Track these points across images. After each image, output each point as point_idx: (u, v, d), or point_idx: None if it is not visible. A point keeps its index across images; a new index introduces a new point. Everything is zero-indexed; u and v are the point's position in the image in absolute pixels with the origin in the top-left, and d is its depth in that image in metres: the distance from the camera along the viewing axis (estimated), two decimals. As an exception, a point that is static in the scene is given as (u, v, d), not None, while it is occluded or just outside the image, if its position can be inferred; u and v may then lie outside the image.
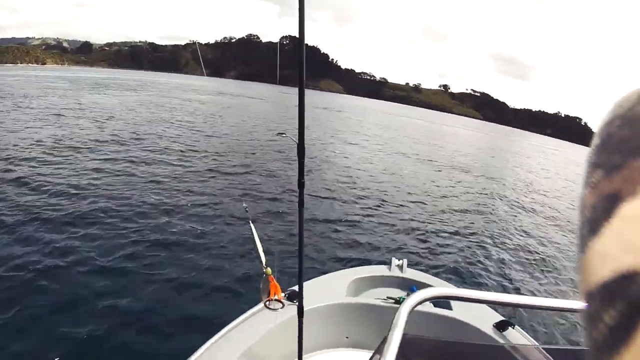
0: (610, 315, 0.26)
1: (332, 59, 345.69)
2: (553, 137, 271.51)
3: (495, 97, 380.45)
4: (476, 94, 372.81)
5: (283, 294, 3.18)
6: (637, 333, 0.24)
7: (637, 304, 0.25)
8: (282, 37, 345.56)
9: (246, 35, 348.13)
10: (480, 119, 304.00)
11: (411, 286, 3.68)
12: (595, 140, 0.34)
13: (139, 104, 33.73)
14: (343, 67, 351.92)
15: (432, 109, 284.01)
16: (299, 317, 2.74)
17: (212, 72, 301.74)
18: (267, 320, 3.04)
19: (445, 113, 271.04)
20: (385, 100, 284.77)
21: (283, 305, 3.15)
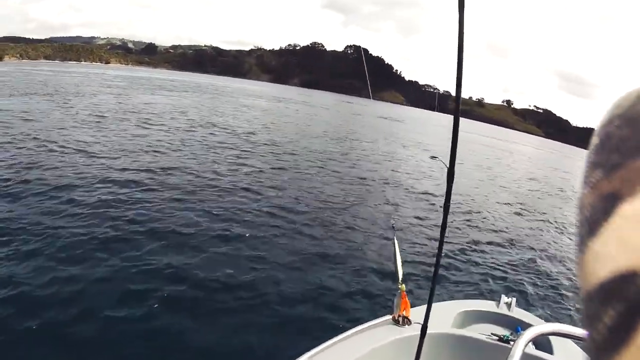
0: (609, 316, 0.26)
1: (396, 70, 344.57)
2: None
3: (558, 115, 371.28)
4: (539, 110, 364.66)
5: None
6: (636, 334, 0.24)
7: (636, 305, 0.25)
8: (347, 47, 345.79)
9: (310, 43, 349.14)
10: (542, 136, 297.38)
11: (517, 326, 3.58)
12: (594, 140, 0.34)
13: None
14: (407, 78, 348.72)
15: (494, 124, 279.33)
16: (420, 338, 2.80)
17: (275, 79, 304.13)
18: (385, 335, 3.15)
19: (507, 129, 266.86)
20: (447, 113, 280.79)
21: (410, 323, 3.24)
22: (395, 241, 3.47)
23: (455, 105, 2.10)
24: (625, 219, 0.28)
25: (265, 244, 8.06)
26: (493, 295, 4.78)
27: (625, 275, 0.26)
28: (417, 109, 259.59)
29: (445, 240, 2.60)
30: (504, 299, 3.95)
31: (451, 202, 2.35)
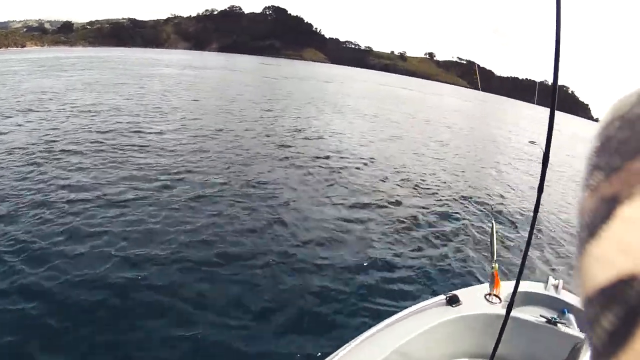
0: (608, 320, 0.26)
1: (316, 28, 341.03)
2: (540, 105, 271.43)
3: (481, 65, 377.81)
4: (462, 61, 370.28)
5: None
6: (635, 338, 0.24)
7: (635, 309, 0.24)
8: (265, 8, 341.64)
9: (228, 7, 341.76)
10: (466, 87, 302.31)
11: (564, 308, 3.73)
12: (595, 142, 0.34)
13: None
14: (327, 36, 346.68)
15: (417, 77, 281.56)
16: (505, 316, 2.87)
17: (194, 46, 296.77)
18: (440, 315, 3.36)
19: (431, 81, 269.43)
20: (369, 69, 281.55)
21: (500, 300, 3.47)
22: (494, 222, 3.46)
23: (552, 98, 2.33)
24: (625, 223, 0.27)
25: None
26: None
27: (624, 279, 0.25)
28: (340, 65, 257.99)
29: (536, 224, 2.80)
30: (552, 280, 4.13)
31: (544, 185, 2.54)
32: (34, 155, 11.93)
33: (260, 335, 5.34)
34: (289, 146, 16.63)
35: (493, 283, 3.53)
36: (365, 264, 7.63)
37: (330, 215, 9.87)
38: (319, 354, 4.86)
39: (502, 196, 13.88)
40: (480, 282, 5.02)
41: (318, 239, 8.50)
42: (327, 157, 15.13)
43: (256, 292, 6.31)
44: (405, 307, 3.49)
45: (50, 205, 8.51)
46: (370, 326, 3.23)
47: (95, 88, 28.36)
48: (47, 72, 40.17)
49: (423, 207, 11.53)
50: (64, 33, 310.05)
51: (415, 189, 13.44)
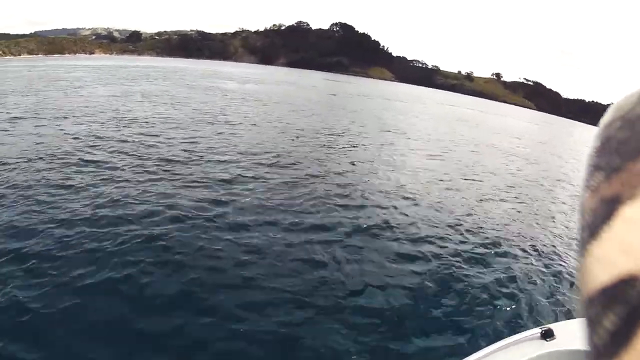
0: (610, 321, 0.26)
1: (383, 46, 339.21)
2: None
3: (548, 87, 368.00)
4: (529, 82, 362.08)
5: None
6: (637, 338, 0.24)
7: (636, 309, 0.25)
8: (332, 24, 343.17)
9: (295, 23, 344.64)
10: (533, 109, 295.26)
11: None
12: (596, 142, 0.34)
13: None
14: (394, 54, 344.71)
15: (483, 98, 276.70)
16: None
17: (261, 60, 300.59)
18: (532, 350, 3.18)
19: (497, 102, 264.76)
20: (436, 88, 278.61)
21: None
22: None
23: None
24: (626, 223, 0.27)
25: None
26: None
27: (625, 279, 0.25)
28: (406, 84, 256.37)
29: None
30: None
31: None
32: (69, 162, 11.93)
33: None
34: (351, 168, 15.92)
35: None
36: (451, 290, 7.39)
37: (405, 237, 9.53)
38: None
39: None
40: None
41: (402, 259, 8.31)
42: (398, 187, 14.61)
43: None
44: (497, 341, 3.35)
45: (90, 220, 8.28)
46: None
47: (155, 99, 29.43)
48: (109, 79, 41.99)
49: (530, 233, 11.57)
50: (132, 42, 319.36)
51: (518, 213, 13.59)
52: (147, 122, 19.75)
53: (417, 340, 5.78)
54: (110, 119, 19.42)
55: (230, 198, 10.43)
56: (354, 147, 20.19)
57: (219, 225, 8.72)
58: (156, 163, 12.84)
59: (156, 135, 16.90)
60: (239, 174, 12.63)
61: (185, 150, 14.82)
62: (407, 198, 12.56)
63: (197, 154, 14.50)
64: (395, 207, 11.45)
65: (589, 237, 0.30)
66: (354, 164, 15.92)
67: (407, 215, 11.05)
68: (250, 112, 27.00)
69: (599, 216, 0.30)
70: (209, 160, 13.85)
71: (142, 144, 15.23)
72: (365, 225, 9.77)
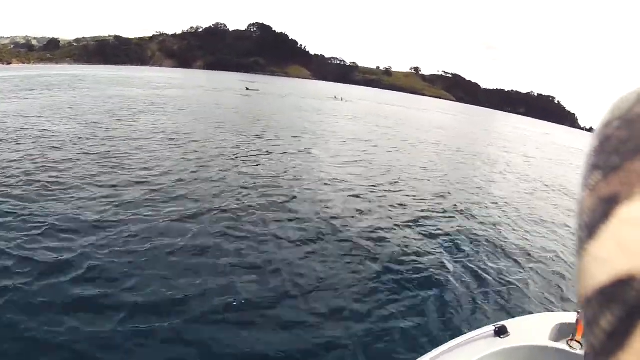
0: (607, 320, 0.26)
1: (301, 45, 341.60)
2: (526, 115, 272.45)
3: (467, 79, 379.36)
4: (448, 75, 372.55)
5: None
6: (634, 338, 0.24)
7: (634, 309, 0.24)
8: (250, 25, 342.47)
9: (213, 25, 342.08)
10: (453, 101, 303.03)
11: None
12: (594, 142, 0.33)
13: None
14: (312, 52, 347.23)
15: (403, 92, 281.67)
16: None
17: (179, 64, 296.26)
18: (487, 347, 3.23)
19: (417, 95, 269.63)
20: (355, 84, 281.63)
21: (582, 347, 3.10)
22: None
23: None
24: (624, 222, 0.27)
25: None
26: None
27: (623, 279, 0.25)
28: (325, 82, 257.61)
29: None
30: None
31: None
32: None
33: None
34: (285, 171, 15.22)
35: (576, 329, 3.29)
36: (405, 288, 7.39)
37: (360, 236, 9.55)
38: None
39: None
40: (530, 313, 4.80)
41: (357, 260, 8.31)
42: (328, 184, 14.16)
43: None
44: (451, 339, 3.40)
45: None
46: (414, 359, 3.24)
47: (53, 112, 25.73)
48: (15, 92, 37.55)
49: (486, 224, 11.77)
50: (50, 50, 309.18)
51: (478, 206, 13.66)
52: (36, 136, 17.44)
53: (367, 342, 5.74)
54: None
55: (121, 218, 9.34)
56: (268, 155, 17.92)
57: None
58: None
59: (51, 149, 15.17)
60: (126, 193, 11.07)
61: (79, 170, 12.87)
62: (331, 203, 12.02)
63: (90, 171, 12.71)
64: (320, 218, 10.66)
65: (587, 237, 0.30)
66: (271, 176, 14.18)
67: (334, 223, 10.37)
68: (151, 122, 24.40)
69: (597, 216, 0.30)
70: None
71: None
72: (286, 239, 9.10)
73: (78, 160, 13.60)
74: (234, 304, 6.29)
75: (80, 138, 17.45)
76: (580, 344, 3.18)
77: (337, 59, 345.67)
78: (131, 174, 12.56)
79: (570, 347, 3.19)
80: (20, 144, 15.59)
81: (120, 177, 12.14)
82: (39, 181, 11.32)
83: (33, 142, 15.90)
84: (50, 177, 11.74)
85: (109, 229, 8.62)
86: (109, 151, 15.26)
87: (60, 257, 7.22)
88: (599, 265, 0.28)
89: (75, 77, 68.99)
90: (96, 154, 14.66)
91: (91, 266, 6.97)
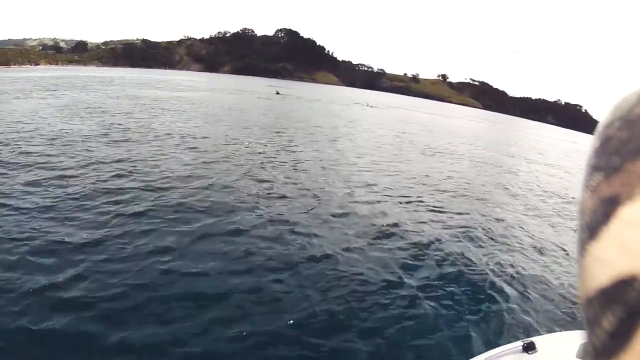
0: (609, 321, 0.26)
1: (329, 51, 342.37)
2: (554, 124, 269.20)
3: (494, 87, 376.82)
4: (475, 83, 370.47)
5: None
6: (635, 339, 0.24)
7: (635, 310, 0.24)
8: (277, 30, 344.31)
9: (240, 30, 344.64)
10: (480, 108, 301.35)
11: None
12: (595, 143, 0.33)
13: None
14: (340, 58, 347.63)
15: (430, 99, 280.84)
16: None
17: (206, 68, 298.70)
18: None
19: (444, 103, 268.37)
20: (382, 91, 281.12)
21: None
22: None
23: None
24: (625, 223, 0.27)
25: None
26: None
27: (625, 280, 0.25)
28: (353, 88, 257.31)
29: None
30: None
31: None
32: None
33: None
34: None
35: None
36: (431, 304, 7.01)
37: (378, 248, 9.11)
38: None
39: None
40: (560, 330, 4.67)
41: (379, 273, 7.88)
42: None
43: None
44: (477, 355, 3.36)
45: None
46: None
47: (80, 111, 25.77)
48: (40, 92, 37.71)
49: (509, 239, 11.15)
50: (78, 52, 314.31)
51: (501, 223, 12.69)
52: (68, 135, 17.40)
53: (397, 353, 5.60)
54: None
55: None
56: (298, 162, 17.54)
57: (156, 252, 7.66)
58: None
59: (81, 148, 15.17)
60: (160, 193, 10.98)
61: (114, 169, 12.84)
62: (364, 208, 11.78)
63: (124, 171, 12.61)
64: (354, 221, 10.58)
65: (588, 238, 0.30)
66: (301, 183, 13.71)
67: (367, 228, 10.23)
68: (179, 124, 24.26)
69: (598, 216, 0.30)
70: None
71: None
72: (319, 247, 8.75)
73: (88, 160, 13.45)
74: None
75: (91, 137, 17.31)
76: None
77: (364, 65, 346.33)
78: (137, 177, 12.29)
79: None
80: (29, 142, 15.50)
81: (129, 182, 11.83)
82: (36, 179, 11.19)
83: (44, 140, 15.93)
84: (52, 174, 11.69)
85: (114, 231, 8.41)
86: (121, 153, 15.00)
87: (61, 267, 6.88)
88: (600, 265, 0.28)
89: (100, 79, 69.73)
90: (106, 155, 14.44)
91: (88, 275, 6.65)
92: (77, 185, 10.93)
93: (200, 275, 6.87)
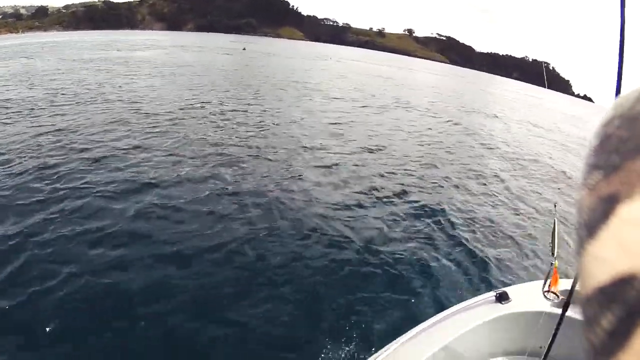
0: (608, 320, 0.26)
1: (293, 6, 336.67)
2: (520, 80, 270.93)
3: (461, 42, 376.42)
4: (442, 37, 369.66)
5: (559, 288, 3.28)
6: (634, 337, 0.24)
7: (634, 309, 0.24)
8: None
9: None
10: (447, 63, 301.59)
11: None
12: (594, 141, 0.33)
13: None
14: (305, 13, 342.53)
15: (396, 53, 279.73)
16: (562, 312, 2.78)
17: (169, 26, 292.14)
18: (488, 312, 3.36)
19: (410, 57, 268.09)
20: (348, 45, 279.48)
21: (558, 297, 3.26)
22: (556, 220, 3.37)
23: (617, 86, 2.20)
24: (625, 222, 0.27)
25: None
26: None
27: (623, 279, 0.25)
28: (318, 43, 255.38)
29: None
30: None
31: None
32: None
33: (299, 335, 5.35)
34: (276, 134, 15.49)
35: (551, 279, 3.34)
36: (407, 261, 7.40)
37: (356, 208, 9.49)
38: (364, 356, 4.78)
39: (561, 190, 13.74)
40: (531, 280, 4.94)
41: (359, 234, 8.22)
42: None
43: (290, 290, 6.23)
44: (453, 305, 3.53)
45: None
46: (417, 323, 3.24)
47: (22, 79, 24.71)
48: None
49: (478, 196, 11.60)
50: (39, 18, 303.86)
51: (470, 179, 13.21)
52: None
53: (373, 309, 5.88)
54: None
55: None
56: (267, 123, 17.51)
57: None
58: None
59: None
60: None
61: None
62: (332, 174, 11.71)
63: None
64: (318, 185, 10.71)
65: (587, 236, 0.30)
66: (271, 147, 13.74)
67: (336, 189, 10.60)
68: (134, 86, 23.96)
69: (597, 215, 0.29)
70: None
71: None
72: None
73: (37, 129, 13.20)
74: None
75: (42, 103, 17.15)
76: (556, 294, 3.31)
77: (329, 19, 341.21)
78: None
79: (546, 298, 3.31)
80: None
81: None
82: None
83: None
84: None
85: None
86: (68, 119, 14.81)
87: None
88: (599, 264, 0.28)
89: (58, 44, 67.62)
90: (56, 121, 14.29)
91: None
92: (8, 160, 10.45)
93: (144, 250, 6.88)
